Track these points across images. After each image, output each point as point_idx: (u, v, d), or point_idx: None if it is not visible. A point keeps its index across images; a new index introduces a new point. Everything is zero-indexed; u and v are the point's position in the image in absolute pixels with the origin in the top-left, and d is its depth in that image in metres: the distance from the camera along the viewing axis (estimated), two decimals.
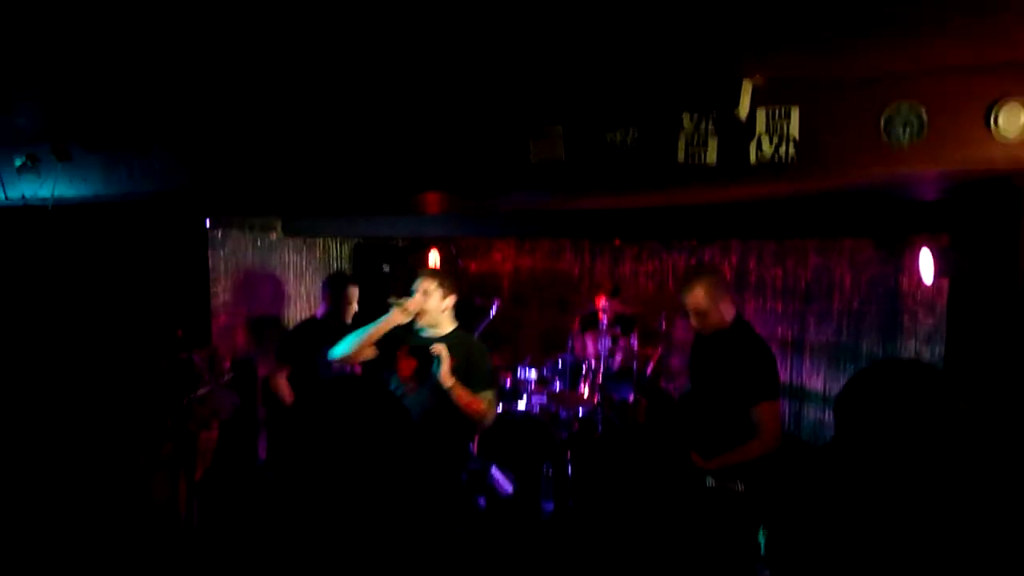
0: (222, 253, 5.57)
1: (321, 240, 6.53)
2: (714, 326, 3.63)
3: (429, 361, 3.71)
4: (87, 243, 4.45)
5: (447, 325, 3.83)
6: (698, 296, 3.58)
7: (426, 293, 3.74)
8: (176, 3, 2.12)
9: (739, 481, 3.33)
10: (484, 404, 3.71)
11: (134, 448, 4.79)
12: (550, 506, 5.12)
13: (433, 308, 3.74)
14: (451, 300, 3.82)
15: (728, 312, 3.63)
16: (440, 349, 3.65)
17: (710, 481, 3.36)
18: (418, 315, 3.75)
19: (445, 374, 3.62)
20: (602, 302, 6.35)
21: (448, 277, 3.87)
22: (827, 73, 2.73)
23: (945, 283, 4.64)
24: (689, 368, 3.98)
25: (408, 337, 3.84)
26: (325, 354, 4.04)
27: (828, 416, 6.43)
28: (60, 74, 2.83)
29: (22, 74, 2.80)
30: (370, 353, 3.82)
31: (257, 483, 5.66)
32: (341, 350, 3.84)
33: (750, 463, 3.38)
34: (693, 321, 3.70)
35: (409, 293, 3.82)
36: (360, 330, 3.81)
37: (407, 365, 3.84)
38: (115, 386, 4.64)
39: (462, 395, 3.65)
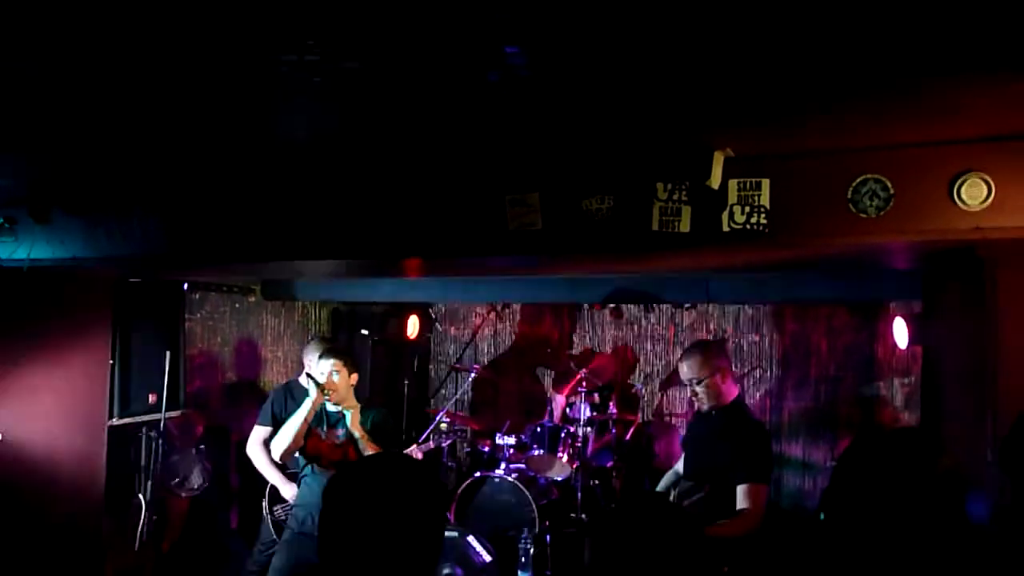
0: (199, 316, 5.54)
1: (299, 304, 6.51)
2: (711, 401, 3.59)
3: (337, 428, 3.99)
4: (62, 304, 4.41)
5: (352, 401, 4.03)
6: (693, 366, 3.57)
7: (337, 372, 3.94)
8: (157, 73, 2.17)
9: (725, 566, 3.26)
10: None
11: (100, 516, 4.66)
12: None
13: (343, 385, 3.95)
14: (355, 377, 4.04)
15: (728, 390, 3.60)
16: (352, 408, 3.94)
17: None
18: (330, 392, 3.92)
19: (353, 423, 3.89)
20: (582, 368, 6.36)
21: (351, 356, 4.11)
22: (796, 147, 2.82)
23: (919, 351, 4.70)
24: (683, 443, 3.97)
25: (317, 417, 4.02)
26: None
27: (808, 484, 6.40)
28: (43, 139, 2.86)
29: (5, 139, 2.82)
30: (302, 442, 3.95)
31: (227, 554, 5.51)
32: (282, 445, 3.93)
33: (730, 541, 3.32)
34: (691, 394, 3.68)
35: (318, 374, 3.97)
36: (291, 421, 3.92)
37: (322, 444, 3.99)
38: (84, 451, 4.53)
39: (371, 446, 3.90)
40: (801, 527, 6.10)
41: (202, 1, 1.72)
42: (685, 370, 3.63)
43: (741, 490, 3.33)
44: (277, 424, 4.50)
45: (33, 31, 1.89)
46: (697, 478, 3.65)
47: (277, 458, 4.04)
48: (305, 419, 3.88)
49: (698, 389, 3.60)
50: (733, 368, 3.82)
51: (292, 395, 4.67)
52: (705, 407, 3.64)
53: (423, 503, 1.57)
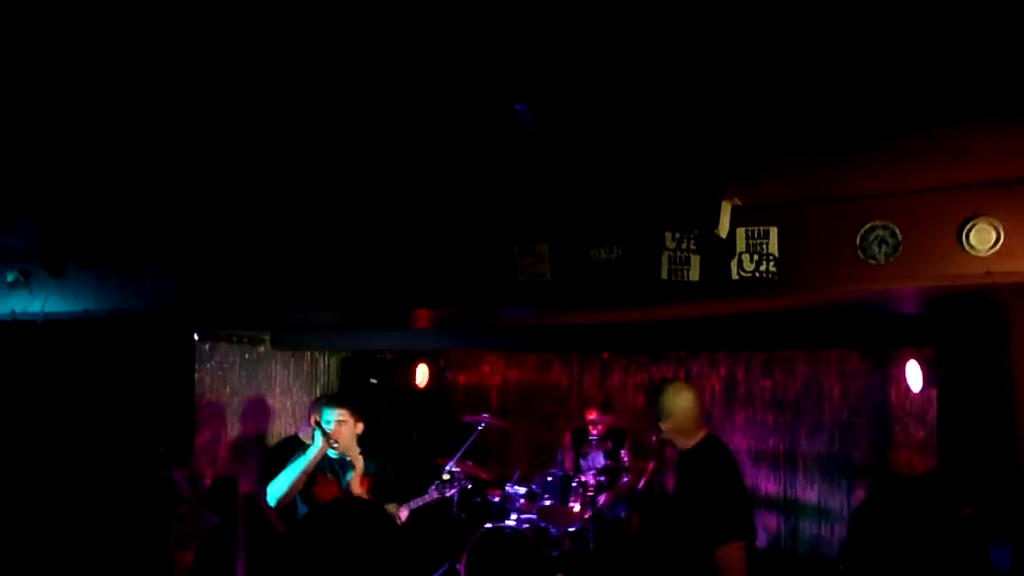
0: (209, 366, 5.54)
1: (309, 353, 6.51)
2: (680, 444, 3.34)
3: (342, 476, 3.99)
4: (74, 357, 4.42)
5: (356, 449, 4.04)
6: (647, 412, 3.45)
7: (342, 422, 3.94)
8: (167, 131, 2.21)
9: None
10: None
11: (107, 569, 4.60)
12: None
13: (347, 434, 3.96)
14: (361, 426, 4.05)
15: (687, 434, 3.30)
16: (354, 459, 3.95)
17: None
18: (335, 441, 3.93)
19: (355, 481, 3.89)
20: (593, 415, 6.30)
21: (358, 405, 4.10)
22: (804, 195, 2.84)
23: (934, 394, 4.65)
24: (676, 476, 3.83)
25: (321, 464, 4.01)
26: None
27: (825, 531, 6.29)
28: (59, 198, 2.91)
29: (22, 198, 2.87)
30: (300, 487, 3.91)
31: None
32: (280, 491, 3.90)
33: None
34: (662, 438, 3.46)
35: (325, 423, 3.95)
36: (293, 467, 3.89)
37: (326, 491, 3.96)
38: (92, 504, 4.50)
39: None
40: (819, 574, 5.97)
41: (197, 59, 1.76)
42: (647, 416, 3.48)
43: (716, 556, 3.03)
44: None
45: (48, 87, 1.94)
46: (664, 537, 3.45)
47: (273, 503, 3.97)
48: (307, 466, 3.86)
49: (667, 437, 3.39)
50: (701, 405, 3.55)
51: (293, 452, 4.59)
52: (681, 451, 3.40)
53: (375, 553, 1.54)
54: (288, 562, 1.53)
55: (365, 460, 4.03)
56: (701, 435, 3.30)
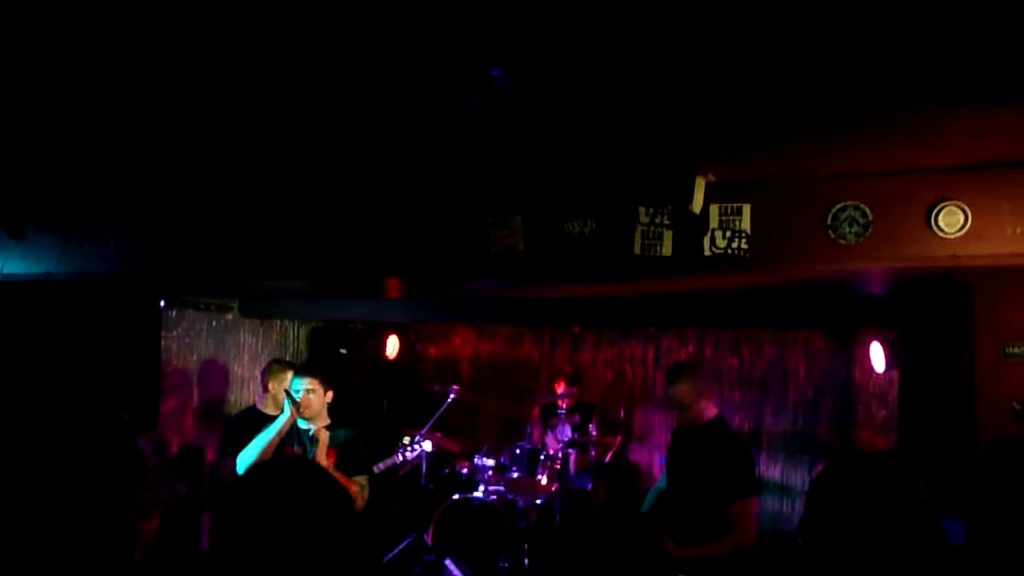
0: (176, 332, 5.47)
1: (278, 322, 6.44)
2: (691, 421, 3.64)
3: (309, 447, 3.96)
4: (36, 321, 4.33)
5: (325, 419, 4.04)
6: (682, 391, 3.60)
7: (311, 391, 3.92)
8: (130, 88, 2.15)
9: None
10: (356, 487, 3.86)
11: (69, 536, 4.55)
12: None
13: (317, 403, 3.95)
14: (330, 395, 4.04)
15: (708, 410, 3.62)
16: (319, 433, 3.91)
17: None
18: (304, 410, 3.92)
19: (320, 454, 3.86)
20: (561, 388, 6.33)
21: (326, 374, 4.09)
22: (777, 173, 2.85)
23: (897, 375, 4.74)
24: (667, 463, 3.97)
25: (289, 433, 4.00)
26: None
27: (786, 507, 6.41)
28: (17, 154, 2.82)
29: None
30: (268, 457, 3.89)
31: (198, 573, 5.40)
32: (248, 460, 3.88)
33: (721, 559, 3.34)
34: (675, 412, 3.74)
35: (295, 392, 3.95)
36: (262, 435, 3.89)
37: None
38: (54, 471, 4.44)
39: (337, 477, 3.79)
40: (779, 550, 6.10)
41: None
42: (673, 396, 3.65)
43: (734, 509, 3.37)
44: (236, 452, 4.41)
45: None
46: (681, 496, 3.66)
47: (241, 472, 3.93)
48: (276, 435, 3.85)
49: (681, 414, 3.64)
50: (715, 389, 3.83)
51: (252, 423, 4.53)
52: (685, 426, 3.66)
53: (318, 514, 1.52)
54: (227, 521, 1.50)
55: (334, 430, 4.00)
56: (716, 411, 3.65)
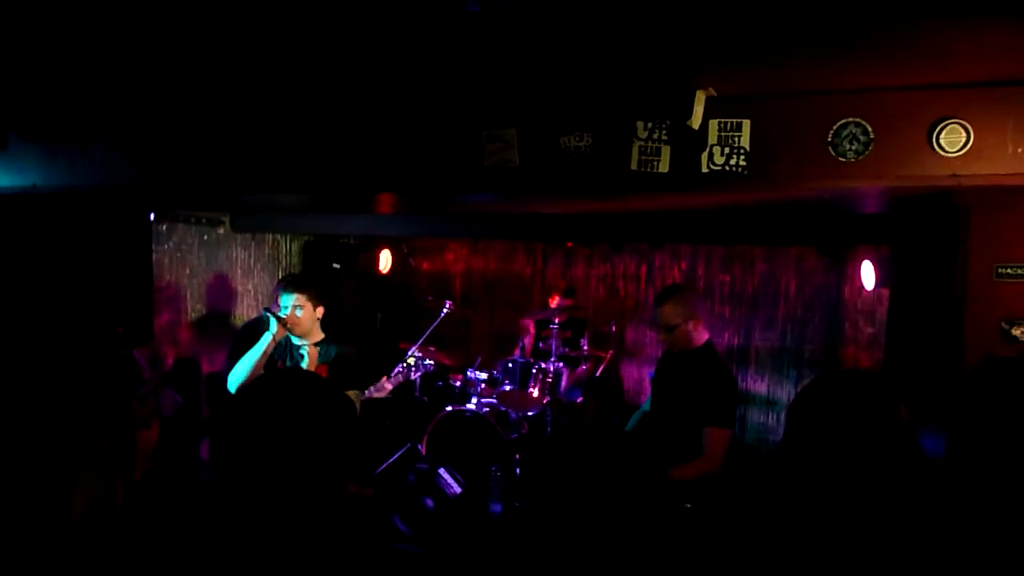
0: (167, 247, 5.43)
1: (270, 236, 6.41)
2: (681, 345, 3.63)
3: (299, 363, 3.99)
4: (23, 235, 4.29)
5: (318, 334, 4.04)
6: (668, 312, 3.58)
7: (299, 307, 3.92)
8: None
9: (687, 503, 3.35)
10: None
11: (70, 447, 4.65)
12: (498, 507, 5.12)
13: (306, 319, 3.94)
14: (320, 310, 4.02)
15: (698, 335, 3.62)
16: (309, 350, 3.95)
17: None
18: (292, 327, 3.92)
19: (311, 362, 3.90)
20: (556, 301, 6.39)
21: (317, 289, 4.06)
22: (778, 88, 2.79)
23: (885, 293, 4.79)
24: (652, 383, 4.02)
25: (280, 349, 4.03)
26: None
27: (771, 419, 6.59)
28: None
29: None
30: (259, 373, 3.92)
31: (198, 484, 5.55)
32: (239, 378, 3.91)
33: (692, 481, 3.40)
34: (660, 336, 3.71)
35: (282, 307, 3.96)
36: (251, 353, 3.90)
37: None
38: (52, 383, 4.48)
39: None
40: (764, 461, 6.29)
41: None
42: (659, 317, 3.64)
43: (705, 433, 3.40)
44: None
45: None
46: (663, 418, 3.72)
47: (233, 389, 3.99)
48: (264, 352, 3.86)
49: (670, 335, 3.63)
50: (705, 311, 3.82)
51: (260, 332, 4.60)
52: (675, 351, 3.68)
53: (323, 419, 1.52)
54: (231, 430, 1.51)
55: (327, 345, 4.02)
56: (706, 337, 3.65)
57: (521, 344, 6.50)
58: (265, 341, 3.87)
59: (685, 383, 3.59)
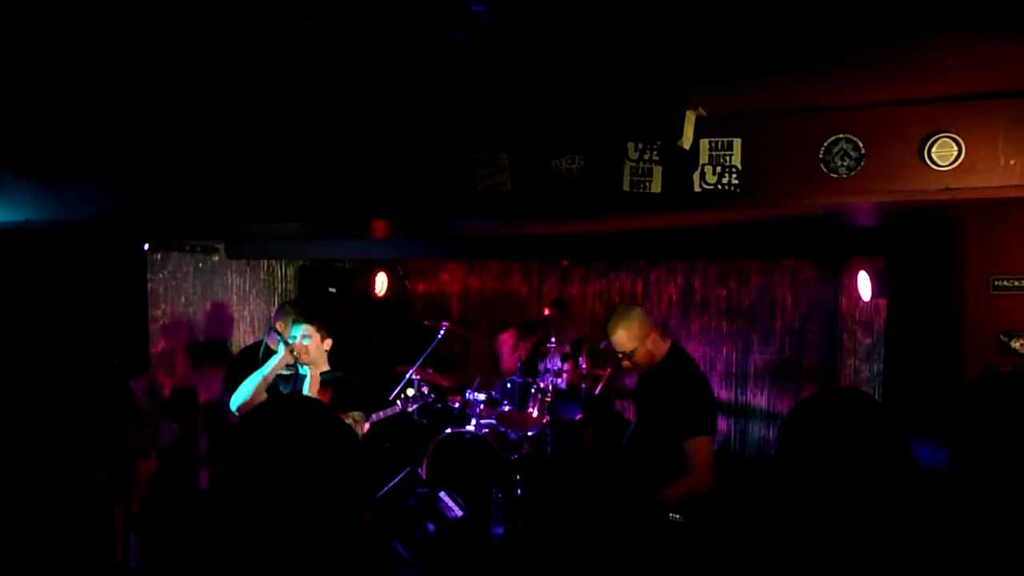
0: (162, 276, 5.42)
1: (265, 262, 6.39)
2: (645, 364, 3.49)
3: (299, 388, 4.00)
4: (17, 269, 4.28)
5: (324, 365, 4.06)
6: (621, 339, 3.43)
7: (308, 336, 3.94)
8: (107, 28, 2.06)
9: (678, 514, 3.26)
10: (349, 420, 3.92)
11: (67, 480, 4.61)
12: (500, 530, 5.08)
13: (313, 350, 3.96)
14: (329, 343, 4.05)
15: (658, 348, 3.47)
16: (311, 373, 3.93)
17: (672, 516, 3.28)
18: (299, 355, 3.93)
19: (312, 386, 3.89)
20: (547, 312, 6.40)
21: (326, 322, 4.09)
22: (768, 106, 2.79)
23: (883, 304, 4.78)
24: (633, 399, 3.95)
25: (284, 381, 4.07)
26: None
27: (772, 433, 6.55)
28: None
29: None
30: (263, 397, 3.90)
31: (196, 515, 5.50)
32: (241, 398, 3.89)
33: (686, 498, 3.27)
34: (624, 363, 3.54)
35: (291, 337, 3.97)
36: (254, 376, 3.89)
37: None
38: (48, 415, 4.45)
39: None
40: (764, 475, 6.26)
41: None
42: (615, 347, 3.49)
43: (686, 447, 3.28)
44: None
45: None
46: (645, 436, 3.61)
47: (234, 409, 3.95)
48: (267, 376, 3.86)
49: (631, 360, 3.48)
50: (661, 326, 3.69)
51: (260, 355, 4.60)
52: (643, 371, 3.56)
53: (325, 447, 1.50)
54: (235, 456, 1.48)
55: (330, 372, 4.02)
56: (668, 346, 3.49)
57: (517, 356, 6.45)
58: (271, 364, 3.87)
59: (657, 398, 3.48)
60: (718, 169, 2.87)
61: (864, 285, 4.62)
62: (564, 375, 6.17)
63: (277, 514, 1.44)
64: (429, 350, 6.02)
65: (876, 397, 3.51)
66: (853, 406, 1.73)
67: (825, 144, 2.75)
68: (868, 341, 6.10)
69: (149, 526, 5.22)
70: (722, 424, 6.73)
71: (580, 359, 6.35)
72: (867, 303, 5.66)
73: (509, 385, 5.98)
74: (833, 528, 1.64)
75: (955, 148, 2.62)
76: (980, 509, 2.85)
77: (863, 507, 1.62)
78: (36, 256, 4.31)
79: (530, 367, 6.47)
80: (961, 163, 2.62)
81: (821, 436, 1.67)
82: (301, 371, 3.99)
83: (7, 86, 2.59)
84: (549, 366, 6.30)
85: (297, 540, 1.46)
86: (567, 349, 6.37)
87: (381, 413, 5.07)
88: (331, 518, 1.49)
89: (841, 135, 2.73)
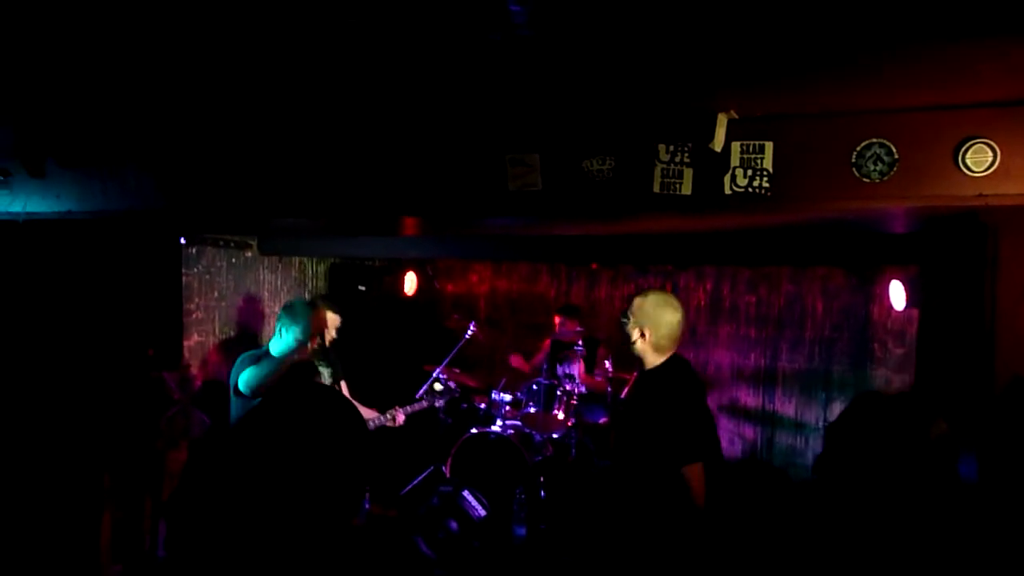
0: (196, 270, 5.52)
1: (297, 259, 6.48)
2: (640, 361, 3.14)
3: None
4: (58, 259, 4.39)
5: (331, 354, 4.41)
6: (628, 319, 3.11)
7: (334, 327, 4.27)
8: (149, 27, 2.12)
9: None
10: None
11: (99, 468, 4.71)
12: (523, 530, 5.09)
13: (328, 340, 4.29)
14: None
15: (648, 353, 3.10)
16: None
17: None
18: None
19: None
20: (557, 320, 6.39)
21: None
22: (800, 109, 2.79)
23: (915, 313, 4.72)
24: (610, 418, 3.59)
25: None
26: None
27: (799, 442, 6.49)
28: (35, 91, 2.81)
29: None
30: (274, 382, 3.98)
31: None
32: (255, 382, 3.93)
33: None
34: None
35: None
36: (270, 362, 3.96)
37: None
38: (82, 404, 4.56)
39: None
40: (792, 485, 6.20)
41: None
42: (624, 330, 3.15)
43: (683, 472, 2.89)
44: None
45: None
46: (624, 459, 3.26)
47: (245, 389, 3.96)
48: (282, 365, 3.93)
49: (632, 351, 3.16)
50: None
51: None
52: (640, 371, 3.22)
53: (338, 432, 1.49)
54: (251, 442, 1.49)
55: (332, 362, 4.29)
56: (670, 354, 3.11)
57: (544, 364, 6.45)
58: (291, 348, 3.96)
59: (647, 409, 3.12)
60: (749, 172, 2.87)
61: (897, 294, 4.58)
62: (577, 379, 6.15)
63: (290, 501, 1.43)
64: (456, 350, 6.05)
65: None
66: (902, 408, 1.75)
67: (858, 148, 2.74)
68: (900, 351, 6.02)
69: (179, 515, 5.31)
70: (749, 432, 6.68)
71: (607, 363, 6.34)
72: (899, 313, 5.59)
73: (535, 387, 5.99)
74: (874, 529, 1.64)
75: (990, 154, 2.59)
76: (1011, 519, 2.81)
77: (904, 510, 1.63)
78: (76, 247, 4.42)
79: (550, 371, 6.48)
80: (996, 169, 2.60)
81: (869, 437, 1.69)
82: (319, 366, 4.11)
83: (53, 81, 2.67)
84: (570, 370, 6.30)
85: (312, 529, 1.46)
86: (585, 351, 6.36)
87: (409, 408, 5.11)
88: (345, 503, 1.49)
89: (874, 139, 2.72)
